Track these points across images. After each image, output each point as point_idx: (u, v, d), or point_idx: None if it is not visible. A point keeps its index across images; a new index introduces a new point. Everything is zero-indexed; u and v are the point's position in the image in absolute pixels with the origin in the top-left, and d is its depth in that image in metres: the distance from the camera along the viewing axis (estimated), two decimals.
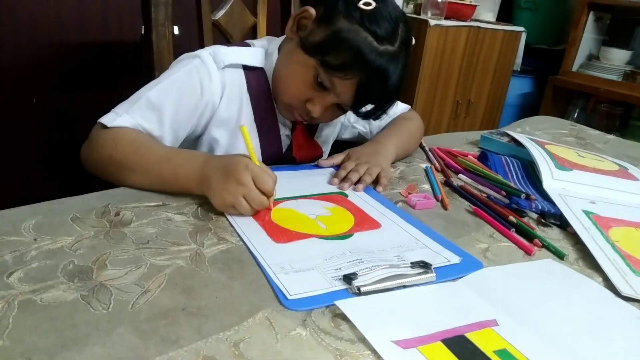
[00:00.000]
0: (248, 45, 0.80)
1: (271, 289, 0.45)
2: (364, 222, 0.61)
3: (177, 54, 0.91)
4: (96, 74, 1.42)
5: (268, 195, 0.58)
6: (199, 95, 0.71)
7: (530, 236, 0.61)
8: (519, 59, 2.48)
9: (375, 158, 0.76)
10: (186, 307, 0.41)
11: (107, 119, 0.65)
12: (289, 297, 0.43)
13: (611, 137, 1.20)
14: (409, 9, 2.24)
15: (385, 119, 0.89)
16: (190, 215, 0.57)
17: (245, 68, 0.76)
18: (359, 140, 0.95)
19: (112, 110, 0.67)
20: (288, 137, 0.82)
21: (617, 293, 0.51)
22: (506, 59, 2.43)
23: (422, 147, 0.93)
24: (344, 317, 0.42)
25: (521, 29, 2.41)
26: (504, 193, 0.72)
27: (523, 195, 0.69)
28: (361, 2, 0.65)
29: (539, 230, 0.65)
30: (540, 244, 0.60)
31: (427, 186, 0.75)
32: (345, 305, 0.43)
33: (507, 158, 0.87)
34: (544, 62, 2.65)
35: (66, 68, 1.37)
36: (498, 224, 0.64)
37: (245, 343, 0.38)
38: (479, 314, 0.44)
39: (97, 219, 0.53)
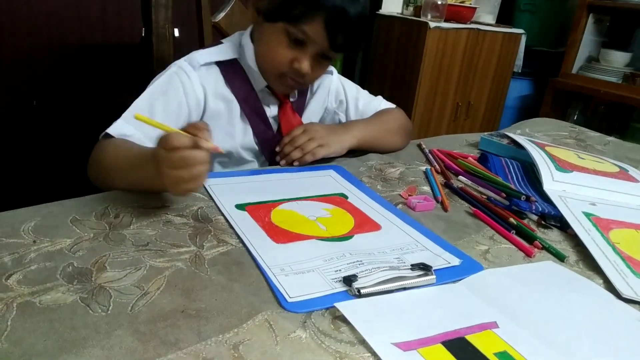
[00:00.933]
0: (220, 43, 0.85)
1: (271, 291, 0.45)
2: (363, 223, 0.61)
3: (177, 56, 0.91)
4: (96, 76, 1.42)
5: (195, 145, 0.53)
6: (182, 94, 0.76)
7: (530, 238, 0.61)
8: (518, 61, 2.48)
9: (327, 138, 0.80)
10: (186, 310, 0.41)
11: (103, 134, 0.69)
12: (289, 300, 0.43)
13: (611, 139, 1.20)
14: (408, 12, 2.24)
15: (369, 111, 0.93)
16: (189, 217, 0.57)
17: (219, 64, 0.80)
18: None
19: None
20: (275, 120, 0.85)
21: (617, 295, 0.51)
22: (506, 61, 2.43)
23: (421, 149, 0.93)
24: (344, 319, 0.42)
25: (521, 31, 2.41)
26: (504, 195, 0.72)
27: (523, 197, 0.69)
28: None
29: (539, 232, 0.65)
30: (541, 246, 0.60)
31: (427, 188, 0.75)
32: (345, 307, 0.42)
33: (507, 160, 0.87)
34: (543, 64, 2.65)
35: (66, 70, 1.37)
36: (498, 225, 0.64)
37: (245, 345, 0.38)
38: (479, 316, 0.44)
39: (96, 221, 0.53)
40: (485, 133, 1.00)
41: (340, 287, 0.46)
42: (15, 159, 1.36)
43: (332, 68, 0.91)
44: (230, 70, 0.81)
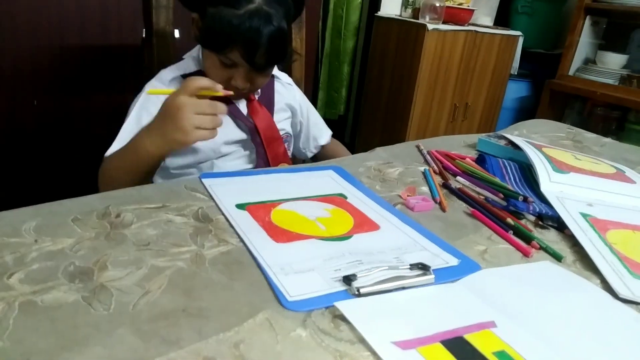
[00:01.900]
0: (182, 59, 0.94)
1: (271, 290, 0.45)
2: (363, 223, 0.61)
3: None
4: (97, 77, 1.42)
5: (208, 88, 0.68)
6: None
7: (527, 238, 0.61)
8: (516, 63, 2.50)
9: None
10: (187, 308, 0.41)
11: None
12: (289, 299, 0.44)
13: (608, 140, 1.21)
14: (407, 13, 2.25)
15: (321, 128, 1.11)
16: (190, 217, 0.57)
17: (185, 77, 0.87)
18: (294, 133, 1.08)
19: None
20: (248, 116, 0.93)
21: (614, 295, 0.52)
22: (503, 63, 2.44)
23: (420, 150, 0.94)
24: (343, 318, 0.42)
25: (518, 33, 2.43)
26: (502, 195, 0.73)
27: (520, 198, 0.70)
28: None
29: (537, 233, 0.65)
30: (538, 246, 0.60)
31: (425, 188, 0.76)
32: (345, 306, 0.43)
33: (505, 161, 0.88)
34: (541, 66, 2.67)
35: (67, 71, 1.37)
36: (496, 226, 0.64)
37: (245, 344, 0.38)
38: (478, 316, 0.45)
39: (97, 221, 0.53)
40: (483, 134, 1.00)
41: (340, 287, 0.46)
42: (16, 158, 1.36)
43: (289, 80, 1.03)
44: None
